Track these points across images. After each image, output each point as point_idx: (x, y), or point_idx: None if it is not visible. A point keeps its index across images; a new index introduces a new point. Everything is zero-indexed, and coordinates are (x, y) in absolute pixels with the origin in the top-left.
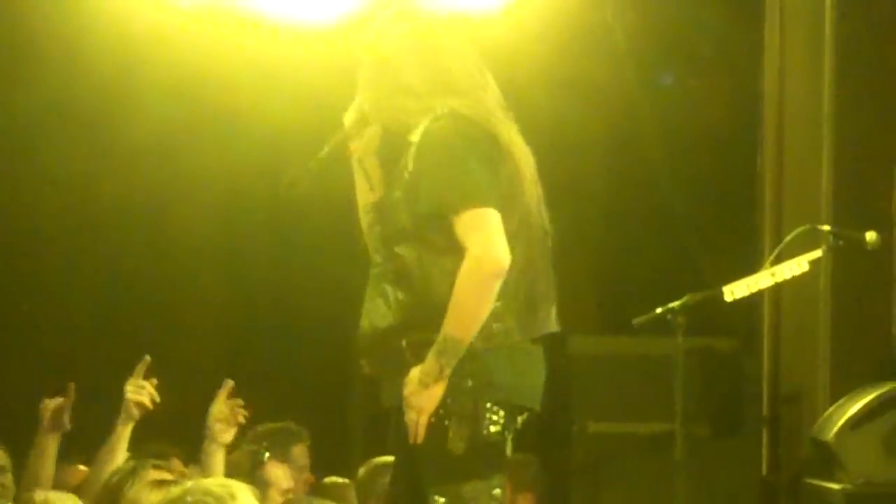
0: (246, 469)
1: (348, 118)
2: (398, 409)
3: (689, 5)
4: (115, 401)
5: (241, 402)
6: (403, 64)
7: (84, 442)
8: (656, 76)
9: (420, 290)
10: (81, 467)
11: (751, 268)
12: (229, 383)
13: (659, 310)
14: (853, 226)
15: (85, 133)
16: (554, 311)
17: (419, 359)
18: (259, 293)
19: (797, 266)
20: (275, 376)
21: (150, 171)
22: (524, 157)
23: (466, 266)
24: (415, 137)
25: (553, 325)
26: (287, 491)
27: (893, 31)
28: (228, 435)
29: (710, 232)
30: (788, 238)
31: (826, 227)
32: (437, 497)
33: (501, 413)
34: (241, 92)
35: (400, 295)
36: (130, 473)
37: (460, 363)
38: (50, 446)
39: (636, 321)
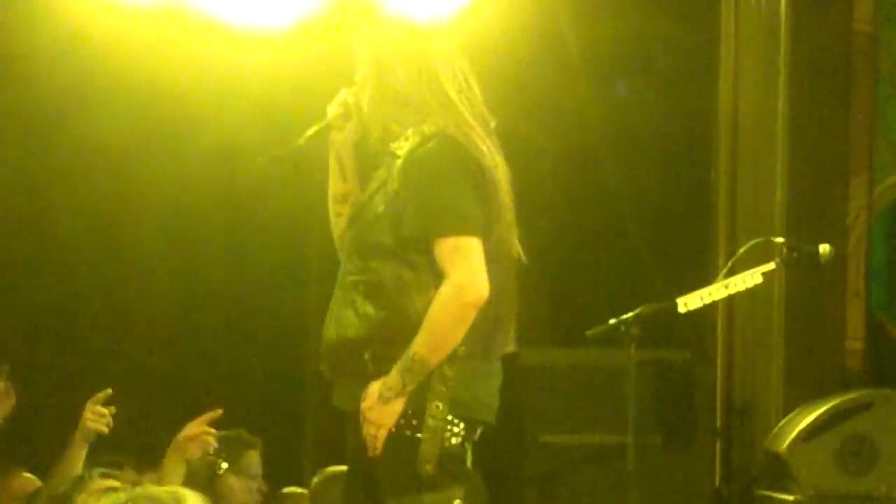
0: (202, 480)
1: (332, 110)
2: (354, 417)
3: (643, 17)
4: (63, 409)
5: (213, 432)
6: (398, 71)
7: (31, 450)
8: (610, 88)
9: (393, 306)
10: (27, 475)
11: (704, 280)
12: (217, 412)
13: (612, 321)
14: (807, 238)
15: (37, 140)
16: (513, 331)
17: (380, 372)
18: (212, 301)
19: (751, 278)
20: (227, 384)
21: (102, 178)
22: (504, 180)
23: (446, 292)
24: (400, 152)
25: (511, 346)
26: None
27: (847, 44)
28: (192, 451)
29: (663, 243)
30: (742, 250)
31: (780, 240)
32: None
33: (462, 425)
34: (195, 98)
35: (370, 308)
36: (78, 482)
37: (432, 385)
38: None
39: (589, 332)
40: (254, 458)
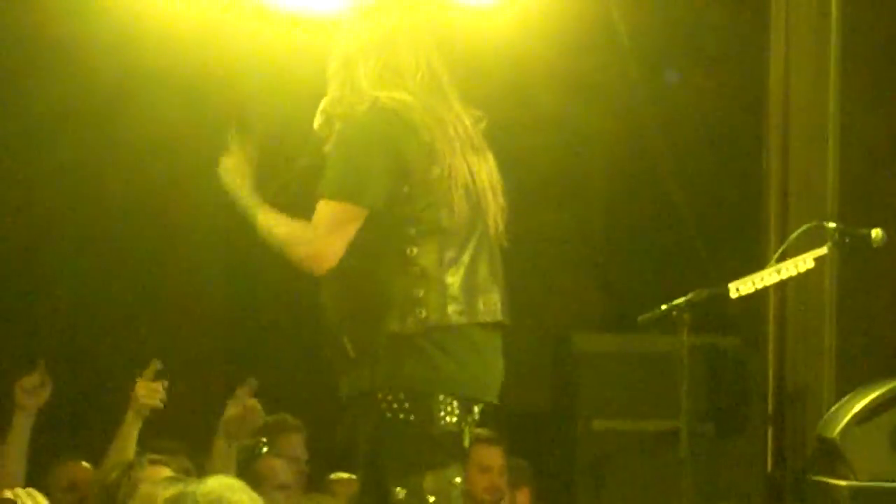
0: (243, 461)
1: (317, 121)
2: (364, 398)
3: (693, 2)
4: (118, 397)
5: (258, 406)
6: (360, 61)
7: (89, 438)
8: (660, 74)
9: (351, 279)
10: (85, 464)
11: (756, 265)
12: (252, 383)
13: (664, 307)
14: (859, 223)
15: (89, 131)
16: (499, 300)
17: (358, 350)
18: (265, 289)
19: (802, 263)
20: (281, 372)
21: (154, 168)
22: (463, 154)
23: (297, 234)
24: (337, 127)
25: (498, 315)
26: (283, 485)
27: None
28: (241, 432)
29: (715, 229)
30: (794, 235)
31: (831, 224)
32: (398, 489)
33: (455, 404)
34: (246, 84)
35: (337, 285)
36: (128, 469)
37: (401, 347)
38: (25, 427)
39: (641, 318)
40: (296, 441)
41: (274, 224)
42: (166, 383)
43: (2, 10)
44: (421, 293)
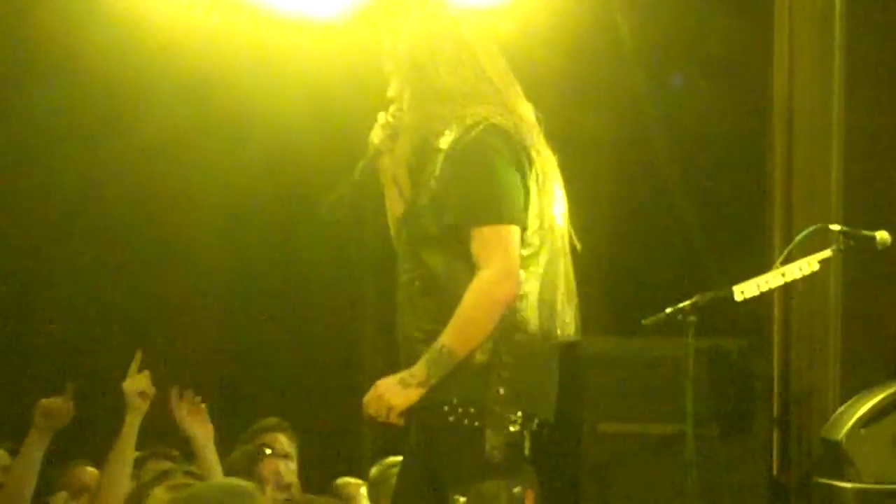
0: (243, 466)
1: (376, 136)
2: (429, 408)
3: (697, 5)
4: (121, 399)
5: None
6: (437, 66)
7: (91, 442)
8: (665, 77)
9: (447, 298)
10: (90, 468)
11: (761, 268)
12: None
13: (669, 310)
14: (864, 225)
15: (93, 133)
16: (576, 318)
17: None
18: (268, 292)
19: (807, 265)
20: (285, 377)
21: (157, 170)
22: (549, 165)
23: (479, 283)
24: (444, 145)
25: (574, 332)
26: (287, 486)
27: None
28: (206, 433)
29: (719, 232)
30: (798, 238)
31: (836, 227)
32: (457, 497)
33: (519, 413)
34: (249, 89)
35: (428, 304)
36: (163, 477)
37: (489, 371)
38: (41, 447)
39: (646, 321)
40: (283, 441)
41: (456, 323)
42: (147, 372)
43: (5, 14)
44: (523, 316)
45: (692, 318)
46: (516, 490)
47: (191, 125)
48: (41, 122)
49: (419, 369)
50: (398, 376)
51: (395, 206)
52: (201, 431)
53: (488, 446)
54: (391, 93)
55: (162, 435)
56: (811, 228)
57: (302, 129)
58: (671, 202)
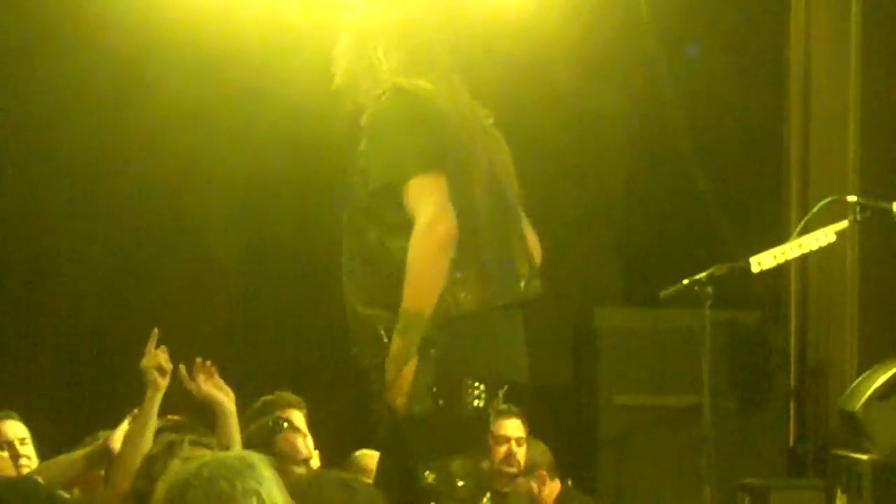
0: (262, 439)
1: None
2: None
3: None
4: (134, 377)
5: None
6: (379, 41)
7: (111, 418)
8: (681, 48)
9: (385, 271)
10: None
11: (778, 239)
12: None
13: (686, 281)
14: (880, 196)
15: (107, 109)
16: (529, 275)
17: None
18: (282, 267)
19: (824, 237)
20: (302, 351)
21: (171, 146)
22: (482, 142)
23: (417, 234)
24: (364, 120)
25: (536, 290)
26: (304, 460)
27: None
28: (230, 400)
29: (736, 203)
30: (815, 209)
31: (853, 198)
32: (426, 473)
33: (482, 387)
34: (264, 63)
35: (368, 276)
36: (168, 449)
37: (434, 335)
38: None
39: (663, 293)
40: (297, 417)
41: (408, 283)
42: (165, 349)
43: None
44: (460, 276)
45: (709, 290)
46: (484, 464)
47: (205, 100)
48: (54, 97)
49: (397, 346)
50: (391, 367)
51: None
52: (225, 399)
53: (453, 422)
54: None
55: (173, 407)
56: (828, 199)
57: (316, 104)
58: (688, 174)
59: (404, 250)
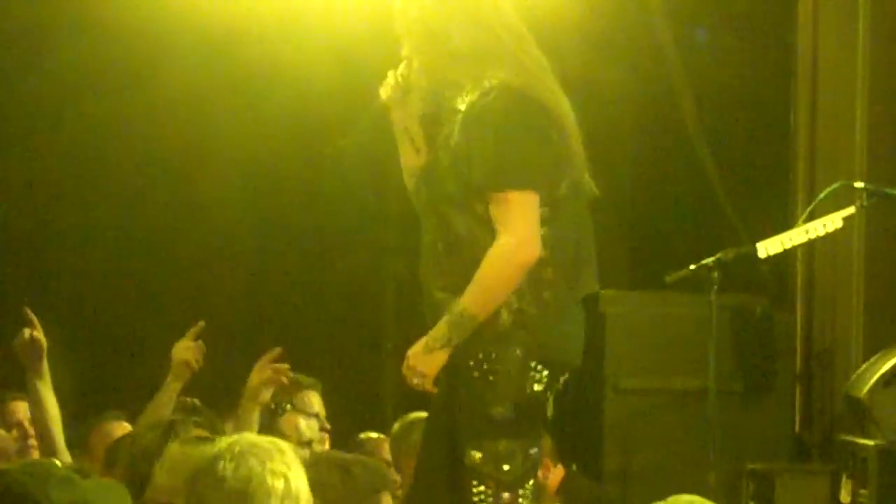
0: (264, 420)
1: (384, 91)
2: (455, 364)
3: None
4: (149, 359)
5: (286, 367)
6: (450, 29)
7: (126, 398)
8: (688, 32)
9: (469, 260)
10: (125, 424)
11: (784, 225)
12: (277, 351)
13: (692, 266)
14: (887, 182)
15: (115, 89)
16: (595, 270)
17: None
18: (292, 251)
19: (831, 223)
20: (309, 334)
21: (179, 128)
22: (571, 122)
23: (499, 249)
24: (461, 105)
25: (595, 285)
26: (307, 442)
27: None
28: (267, 395)
29: (743, 189)
30: (822, 195)
31: (860, 184)
32: (473, 451)
33: (545, 372)
34: (272, 43)
35: (452, 265)
36: (168, 429)
37: (512, 331)
38: (42, 380)
39: (669, 278)
40: (312, 398)
41: (476, 286)
42: (203, 346)
43: None
44: (550, 274)
45: (715, 275)
46: (533, 451)
47: (214, 80)
48: (61, 80)
49: (440, 331)
50: (423, 342)
51: (409, 160)
52: (265, 393)
53: (508, 403)
54: (405, 52)
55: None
56: (835, 185)
57: (326, 84)
58: (695, 159)
59: (489, 244)
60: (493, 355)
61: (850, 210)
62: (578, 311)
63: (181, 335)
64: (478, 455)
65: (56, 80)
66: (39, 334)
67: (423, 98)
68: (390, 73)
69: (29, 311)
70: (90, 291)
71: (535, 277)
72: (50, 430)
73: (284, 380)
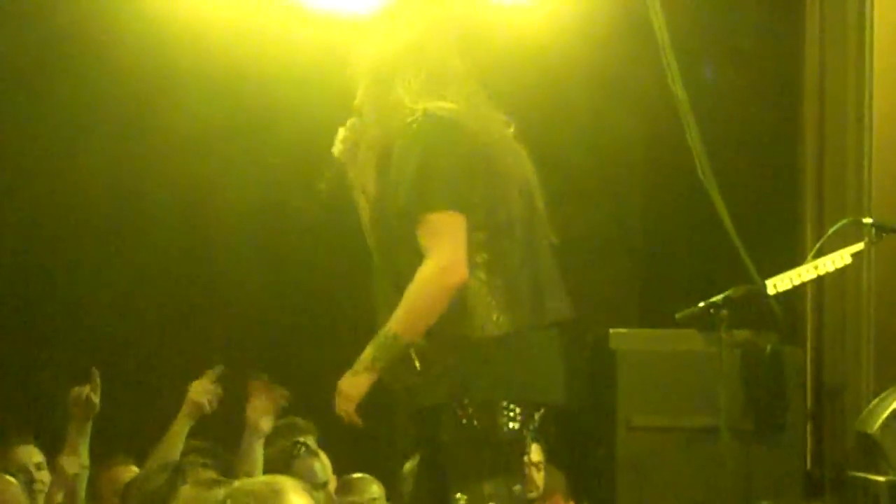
0: (280, 464)
1: (337, 148)
2: (430, 409)
3: None
4: (155, 398)
5: (282, 390)
6: (395, 78)
7: (125, 440)
8: (696, 70)
9: None
10: (134, 468)
11: (793, 262)
12: (262, 378)
13: (702, 304)
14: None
15: (124, 130)
16: (566, 298)
17: (426, 364)
18: (298, 290)
19: (840, 259)
20: (314, 374)
21: (188, 167)
22: (511, 156)
23: (426, 272)
24: (396, 146)
25: (567, 312)
26: (323, 484)
27: None
28: (266, 425)
29: (752, 225)
30: (831, 231)
31: (868, 220)
32: (458, 495)
33: (518, 410)
34: (278, 84)
35: (398, 299)
36: (175, 472)
37: (470, 355)
38: (83, 437)
39: (679, 316)
40: (309, 441)
41: (402, 310)
42: (220, 391)
43: (34, 10)
44: (495, 299)
45: (725, 312)
46: (516, 488)
47: (221, 121)
48: (70, 118)
49: (366, 354)
50: (347, 377)
51: (365, 215)
52: (265, 423)
53: (487, 445)
54: (356, 102)
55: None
56: (843, 222)
57: (331, 126)
58: (703, 196)
59: (410, 268)
60: (465, 398)
61: (859, 246)
62: (549, 343)
63: (187, 373)
64: (463, 498)
65: (64, 124)
66: (96, 397)
67: (372, 146)
68: (340, 130)
69: (96, 373)
70: (97, 334)
71: (481, 301)
72: (75, 485)
73: (283, 401)
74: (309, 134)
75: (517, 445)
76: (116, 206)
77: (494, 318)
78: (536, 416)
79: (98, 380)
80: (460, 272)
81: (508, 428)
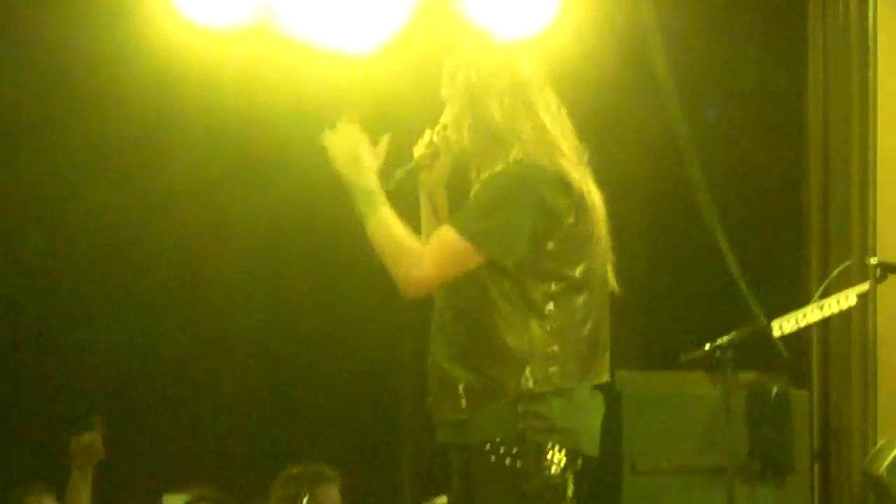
0: None
1: (419, 149)
2: (455, 448)
3: (731, 39)
4: (152, 451)
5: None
6: (491, 101)
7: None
8: (698, 111)
9: (478, 330)
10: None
11: (798, 302)
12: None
13: (707, 346)
14: None
15: (123, 174)
16: (608, 361)
17: (474, 403)
18: (302, 334)
19: (845, 299)
20: (321, 416)
21: (188, 211)
22: (597, 210)
23: (408, 260)
24: (485, 176)
25: (606, 377)
26: None
27: None
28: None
29: (756, 266)
30: (836, 272)
31: (873, 260)
32: None
33: (563, 453)
34: (284, 124)
35: (459, 333)
36: None
37: (523, 405)
38: (85, 484)
39: (683, 358)
40: (331, 492)
41: (393, 225)
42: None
43: (38, 50)
44: (556, 350)
45: (730, 354)
46: None
47: (226, 162)
48: (73, 159)
49: (351, 172)
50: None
51: (428, 225)
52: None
53: (527, 488)
54: (444, 118)
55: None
56: (848, 262)
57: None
58: (708, 237)
59: (505, 316)
60: (509, 439)
61: (865, 287)
62: (596, 398)
63: (192, 417)
64: None
65: (65, 168)
66: (100, 442)
67: (454, 165)
68: (427, 132)
69: (100, 419)
70: (97, 378)
71: (542, 352)
72: None
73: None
74: (315, 173)
75: (558, 489)
76: (117, 247)
77: (550, 370)
78: (579, 462)
79: (102, 426)
80: (420, 291)
81: (551, 472)
